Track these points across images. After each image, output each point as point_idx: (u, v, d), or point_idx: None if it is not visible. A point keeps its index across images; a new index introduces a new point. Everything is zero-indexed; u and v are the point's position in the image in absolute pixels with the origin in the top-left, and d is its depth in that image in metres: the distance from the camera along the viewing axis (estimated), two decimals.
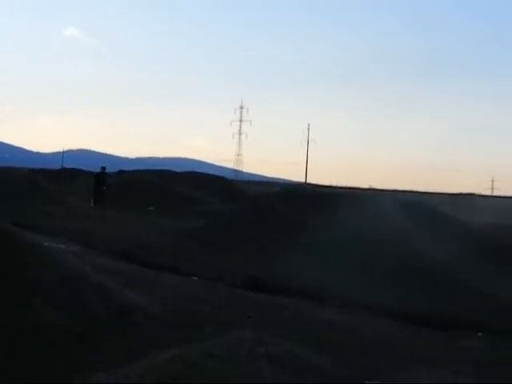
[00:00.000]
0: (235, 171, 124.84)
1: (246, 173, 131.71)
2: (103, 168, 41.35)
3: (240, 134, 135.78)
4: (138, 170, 57.56)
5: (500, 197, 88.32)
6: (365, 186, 75.66)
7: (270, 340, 9.54)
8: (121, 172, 56.09)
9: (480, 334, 14.21)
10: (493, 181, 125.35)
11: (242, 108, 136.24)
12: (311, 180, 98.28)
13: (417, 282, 18.60)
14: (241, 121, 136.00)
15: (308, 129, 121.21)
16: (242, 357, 8.50)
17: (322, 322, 13.54)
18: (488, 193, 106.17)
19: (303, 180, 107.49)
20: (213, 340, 9.31)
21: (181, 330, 11.11)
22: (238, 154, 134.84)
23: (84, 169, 62.44)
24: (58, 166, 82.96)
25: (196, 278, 17.61)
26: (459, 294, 17.91)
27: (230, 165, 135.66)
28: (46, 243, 14.83)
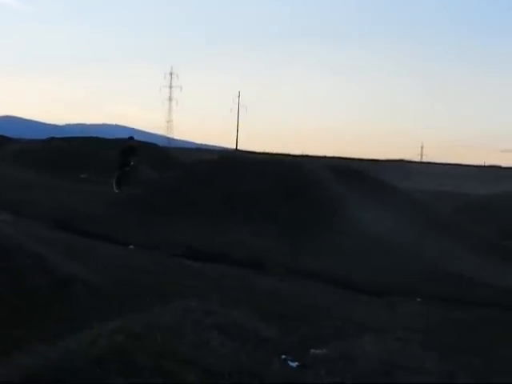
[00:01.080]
0: (167, 138, 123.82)
1: (178, 140, 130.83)
2: (131, 138, 32.87)
3: (170, 100, 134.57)
4: (69, 137, 56.39)
5: (429, 163, 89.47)
6: (297, 152, 75.81)
7: (217, 310, 9.43)
8: (51, 139, 54.84)
9: (419, 299, 14.33)
10: (422, 147, 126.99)
11: (171, 74, 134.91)
12: (243, 147, 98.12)
13: (357, 248, 18.62)
14: (171, 87, 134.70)
15: (238, 96, 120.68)
16: (189, 327, 8.35)
17: (265, 291, 13.48)
18: (417, 159, 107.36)
19: (234, 147, 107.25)
20: (157, 310, 9.13)
21: (121, 300, 10.88)
22: (169, 121, 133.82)
23: (12, 137, 60.88)
24: None
25: (133, 247, 17.34)
26: (400, 261, 18.01)
27: (161, 132, 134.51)
28: None
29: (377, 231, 20.12)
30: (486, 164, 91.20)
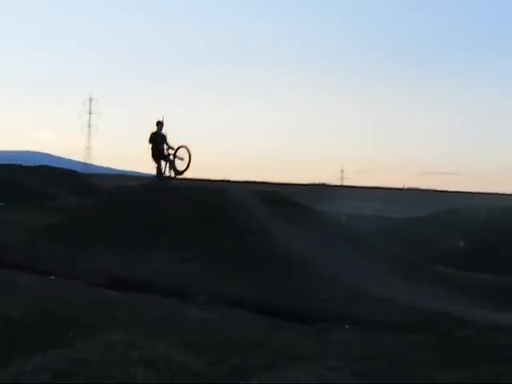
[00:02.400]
0: (85, 164, 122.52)
1: (97, 166, 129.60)
2: (159, 124, 27.08)
3: (89, 126, 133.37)
4: None
5: (350, 186, 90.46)
6: (220, 177, 75.66)
7: (143, 342, 9.14)
8: None
9: (347, 326, 14.22)
10: (342, 171, 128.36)
11: (91, 100, 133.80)
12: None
13: (282, 275, 18.49)
14: (90, 113, 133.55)
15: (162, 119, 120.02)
16: (114, 362, 8.05)
17: (190, 321, 13.22)
18: (338, 183, 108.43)
19: (155, 172, 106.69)
20: (80, 344, 8.80)
21: (43, 333, 10.47)
22: (88, 147, 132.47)
23: None
24: None
25: (53, 278, 16.88)
26: (325, 287, 17.94)
27: (80, 158, 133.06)
28: None
29: (302, 257, 20.05)
30: (406, 187, 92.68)
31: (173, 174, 27.02)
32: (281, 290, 17.40)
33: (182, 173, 26.75)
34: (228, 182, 66.24)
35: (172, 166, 26.83)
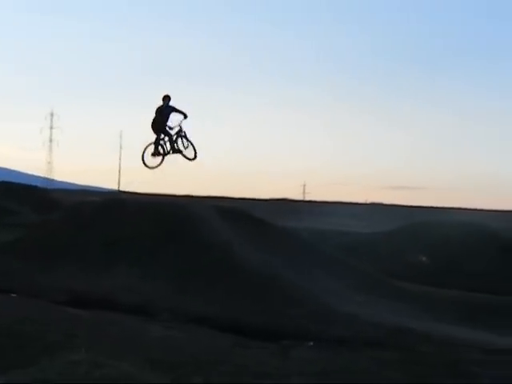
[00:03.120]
0: (47, 180, 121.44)
1: (59, 181, 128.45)
2: (166, 98, 23.00)
3: (51, 141, 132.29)
4: None
5: (312, 201, 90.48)
6: (182, 192, 75.43)
7: (106, 361, 9.03)
8: None
9: (311, 343, 14.18)
10: (304, 185, 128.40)
11: (52, 115, 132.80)
12: (127, 188, 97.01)
13: (245, 291, 18.43)
14: (51, 128, 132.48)
15: (120, 136, 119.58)
16: (77, 382, 7.94)
17: (153, 338, 13.06)
18: (300, 197, 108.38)
19: (117, 187, 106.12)
20: (43, 363, 8.67)
21: (5, 352, 10.26)
22: (49, 162, 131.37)
23: None
24: None
25: (14, 295, 16.66)
26: (289, 303, 17.89)
27: (41, 173, 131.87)
28: None
29: (265, 273, 19.99)
30: (369, 201, 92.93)
31: (171, 151, 24.91)
32: (244, 306, 17.33)
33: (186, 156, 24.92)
34: (190, 197, 66.12)
35: (172, 143, 25.06)
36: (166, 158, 22.84)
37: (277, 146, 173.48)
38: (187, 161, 23.03)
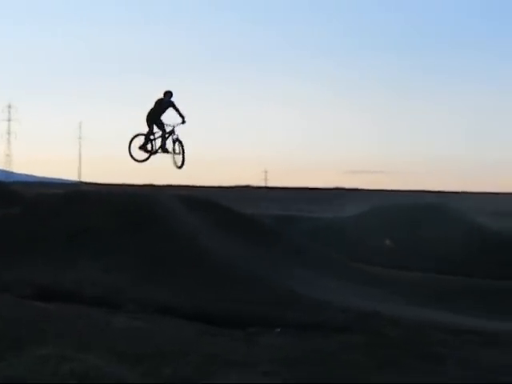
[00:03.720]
0: (6, 172, 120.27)
1: (18, 174, 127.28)
2: (168, 93, 25.63)
3: (9, 133, 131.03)
4: None
5: (275, 188, 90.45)
6: (144, 181, 74.97)
7: (73, 355, 8.93)
8: None
9: (278, 329, 14.18)
10: (266, 172, 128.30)
11: (10, 107, 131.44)
12: (87, 179, 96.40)
13: (210, 280, 18.38)
14: (9, 120, 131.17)
15: (80, 127, 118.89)
16: (46, 377, 7.85)
17: (120, 330, 12.98)
18: (262, 184, 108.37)
19: (77, 178, 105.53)
20: (11, 359, 8.56)
21: None
22: (8, 155, 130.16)
23: None
24: None
25: None
26: (255, 290, 17.88)
27: None
28: None
29: (230, 261, 19.98)
30: (330, 186, 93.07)
31: (159, 150, 24.11)
32: (210, 295, 17.29)
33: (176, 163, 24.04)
34: (152, 186, 65.81)
35: (164, 140, 24.18)
36: (152, 156, 22.58)
37: (237, 133, 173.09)
38: (173, 166, 22.71)
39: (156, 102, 23.82)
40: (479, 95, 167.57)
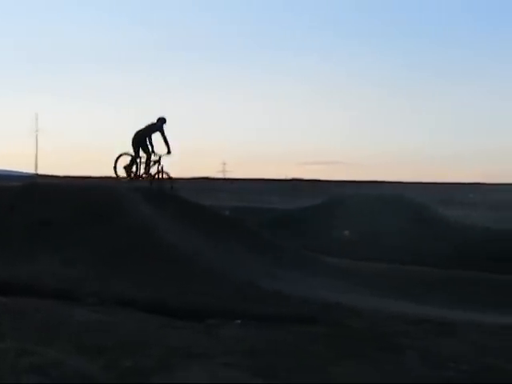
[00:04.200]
0: None
1: None
2: (161, 120, 24.35)
3: None
4: None
5: (232, 179, 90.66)
6: (102, 174, 74.44)
7: (33, 348, 8.90)
8: None
9: (239, 321, 14.21)
10: (224, 164, 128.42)
11: None
12: (44, 171, 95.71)
13: (169, 273, 18.32)
14: None
15: (36, 118, 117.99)
16: (4, 372, 7.80)
17: (79, 323, 12.91)
18: (220, 176, 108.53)
19: (34, 171, 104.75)
20: None
21: None
22: None
23: None
24: None
25: None
26: (215, 282, 17.87)
27: None
28: None
29: (190, 253, 19.95)
30: (288, 177, 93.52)
31: (143, 175, 23.95)
32: (170, 287, 17.24)
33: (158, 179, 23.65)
34: (112, 178, 65.48)
35: (147, 167, 23.97)
36: (135, 179, 22.35)
37: (195, 124, 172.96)
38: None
39: (146, 126, 23.95)
40: (438, 87, 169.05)
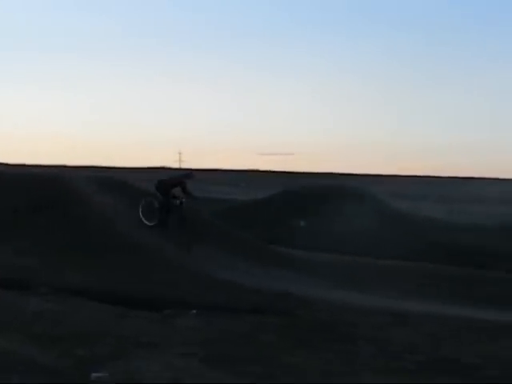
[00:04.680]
0: None
1: None
2: (188, 176, 23.42)
3: None
4: None
5: (189, 169, 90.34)
6: (54, 162, 73.98)
7: None
8: None
9: (194, 311, 14.25)
10: (180, 153, 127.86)
11: None
12: None
13: (124, 262, 18.25)
14: None
15: None
16: None
17: (32, 313, 12.87)
18: (177, 165, 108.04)
19: None
20: None
21: None
22: None
23: None
24: None
25: None
26: (170, 273, 17.85)
27: None
28: None
29: (143, 242, 19.88)
30: (245, 168, 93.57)
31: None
32: (124, 277, 17.20)
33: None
34: (64, 167, 65.02)
35: (166, 213, 21.85)
36: (154, 226, 21.27)
37: (151, 114, 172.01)
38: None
39: (172, 177, 22.58)
40: (398, 76, 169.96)
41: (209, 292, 16.26)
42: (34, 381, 7.80)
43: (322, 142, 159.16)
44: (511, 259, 29.18)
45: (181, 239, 20.64)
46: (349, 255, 26.40)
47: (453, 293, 20.32)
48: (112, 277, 17.18)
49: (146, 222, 21.32)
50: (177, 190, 22.03)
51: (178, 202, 21.67)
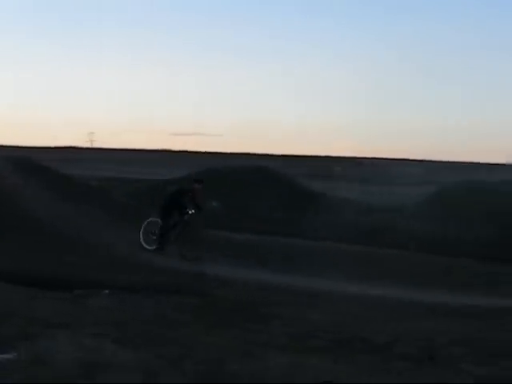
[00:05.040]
0: None
1: None
2: (198, 182, 22.19)
3: None
4: None
5: (100, 149, 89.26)
6: None
7: None
8: None
9: (107, 291, 14.02)
10: (91, 133, 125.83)
11: None
12: None
13: (37, 242, 17.89)
14: None
15: None
16: None
17: None
18: (88, 145, 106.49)
19: None
20: None
21: None
22: None
23: None
24: None
25: None
26: (82, 253, 17.58)
27: None
28: None
29: (56, 224, 19.53)
30: (158, 148, 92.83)
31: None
32: (35, 258, 16.81)
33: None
34: None
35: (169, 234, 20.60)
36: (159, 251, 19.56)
37: (62, 93, 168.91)
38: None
39: (178, 191, 20.59)
40: (313, 56, 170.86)
41: (123, 272, 16.06)
42: None
43: (235, 122, 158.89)
44: (423, 238, 29.54)
45: (188, 249, 19.47)
46: (263, 235, 26.38)
47: (367, 273, 20.43)
48: (23, 258, 16.76)
49: (146, 246, 20.03)
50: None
51: (189, 213, 20.34)
